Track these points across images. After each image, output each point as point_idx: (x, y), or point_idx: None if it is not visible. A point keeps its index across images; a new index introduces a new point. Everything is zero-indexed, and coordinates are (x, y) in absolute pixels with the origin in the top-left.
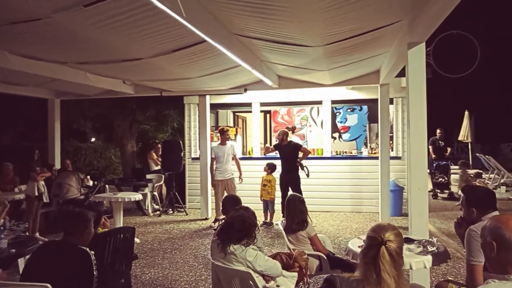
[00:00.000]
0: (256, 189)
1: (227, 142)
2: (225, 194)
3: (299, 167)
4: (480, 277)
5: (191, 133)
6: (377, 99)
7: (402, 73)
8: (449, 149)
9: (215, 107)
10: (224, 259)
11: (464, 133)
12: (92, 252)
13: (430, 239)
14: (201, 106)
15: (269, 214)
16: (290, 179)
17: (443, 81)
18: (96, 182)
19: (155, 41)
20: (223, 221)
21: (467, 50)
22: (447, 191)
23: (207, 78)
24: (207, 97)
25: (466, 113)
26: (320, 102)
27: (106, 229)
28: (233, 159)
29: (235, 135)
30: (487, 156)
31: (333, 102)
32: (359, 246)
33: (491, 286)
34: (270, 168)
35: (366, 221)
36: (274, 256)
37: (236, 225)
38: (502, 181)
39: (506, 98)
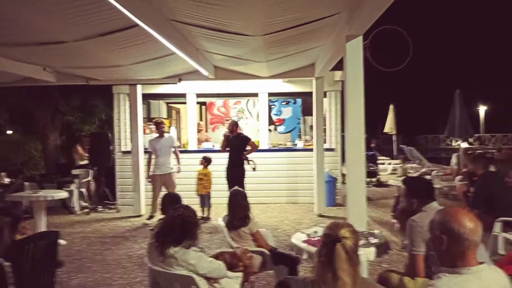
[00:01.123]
0: (192, 183)
1: (165, 134)
2: (163, 190)
3: (245, 161)
4: (421, 266)
5: (120, 125)
6: (311, 92)
7: (336, 67)
8: (372, 141)
9: (147, 97)
10: (163, 263)
11: (389, 125)
12: (8, 264)
13: (372, 231)
14: (132, 96)
15: (205, 209)
16: (236, 173)
17: (370, 74)
18: (13, 180)
19: (81, 22)
20: (161, 221)
21: (400, 46)
22: (375, 179)
23: (139, 66)
24: (139, 86)
25: (391, 106)
26: (256, 95)
27: (26, 235)
28: (174, 152)
29: (169, 127)
30: (410, 147)
31: (269, 94)
32: (303, 241)
33: (442, 280)
34: (207, 161)
35: (303, 211)
36: (217, 256)
37: (176, 225)
38: (423, 170)
39: (422, 92)
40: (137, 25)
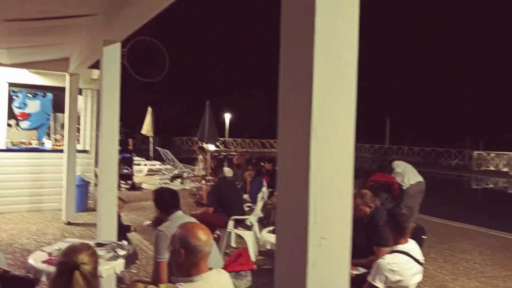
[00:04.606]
0: None
1: None
2: None
3: None
4: (164, 272)
5: None
6: (64, 88)
7: (94, 65)
8: (130, 141)
9: None
10: None
11: (147, 127)
12: None
13: (120, 242)
14: None
15: None
16: None
17: (131, 76)
18: None
19: None
20: None
21: (157, 58)
22: (130, 182)
23: None
24: None
25: (149, 109)
26: None
27: None
28: None
29: None
30: (165, 150)
31: (11, 85)
32: (42, 261)
33: None
34: None
35: (48, 220)
36: None
37: None
38: (176, 172)
39: (181, 96)
40: None
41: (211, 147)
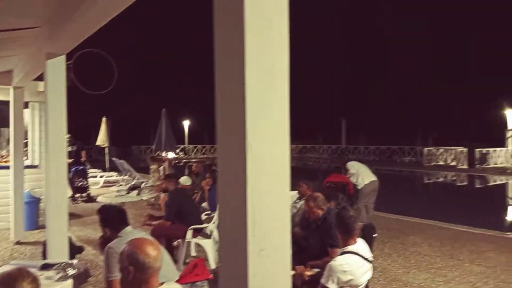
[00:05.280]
0: None
1: None
2: None
3: None
4: None
5: None
6: (8, 101)
7: (40, 77)
8: (83, 153)
9: None
10: None
11: (102, 138)
12: None
13: (71, 261)
14: None
15: None
16: None
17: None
18: None
19: None
20: None
21: (105, 69)
22: (85, 194)
23: None
24: None
25: (104, 119)
26: None
27: None
28: None
29: None
30: (121, 160)
31: None
32: None
33: None
34: None
35: None
36: None
37: None
38: (133, 183)
39: (135, 104)
40: None
41: (170, 155)
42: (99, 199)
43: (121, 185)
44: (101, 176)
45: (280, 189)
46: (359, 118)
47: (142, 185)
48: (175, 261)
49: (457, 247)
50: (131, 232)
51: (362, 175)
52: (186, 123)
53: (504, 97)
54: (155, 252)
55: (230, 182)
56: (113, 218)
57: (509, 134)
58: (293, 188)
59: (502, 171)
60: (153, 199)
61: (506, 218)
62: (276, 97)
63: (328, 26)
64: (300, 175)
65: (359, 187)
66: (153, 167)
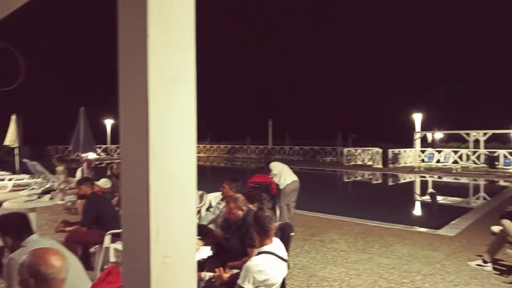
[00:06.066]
0: None
1: None
2: None
3: None
4: None
5: None
6: None
7: None
8: None
9: None
10: None
11: (11, 138)
12: None
13: None
14: None
15: None
16: None
17: None
18: None
19: None
20: None
21: (12, 64)
22: None
23: None
24: None
25: (13, 117)
26: None
27: None
28: None
29: None
30: (33, 162)
31: None
32: None
33: None
34: None
35: None
36: None
37: None
38: (47, 186)
39: (52, 102)
40: None
41: (91, 155)
42: (5, 205)
43: (33, 188)
44: (10, 179)
45: (186, 194)
46: (285, 119)
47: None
48: (92, 268)
49: (369, 241)
50: (36, 241)
51: (284, 175)
52: (108, 122)
53: (413, 103)
54: (59, 263)
55: (133, 188)
56: (14, 226)
57: (416, 136)
58: (218, 189)
59: (411, 169)
60: (69, 203)
61: (412, 213)
62: (181, 100)
63: (253, 29)
64: (228, 175)
65: (281, 187)
66: (59, 168)
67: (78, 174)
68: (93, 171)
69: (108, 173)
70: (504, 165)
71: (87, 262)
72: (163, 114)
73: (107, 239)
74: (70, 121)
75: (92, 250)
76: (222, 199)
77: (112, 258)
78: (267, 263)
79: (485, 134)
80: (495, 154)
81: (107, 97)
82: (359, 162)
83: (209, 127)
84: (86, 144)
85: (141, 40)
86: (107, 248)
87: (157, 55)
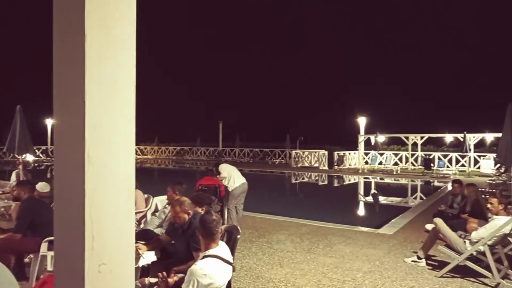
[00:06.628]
0: None
1: None
2: None
3: None
4: None
5: None
6: None
7: None
8: None
9: None
10: None
11: None
12: None
13: None
14: None
15: None
16: None
17: None
18: None
19: None
20: None
21: None
22: None
23: None
24: None
25: None
26: None
27: None
28: None
29: None
30: None
31: None
32: None
33: None
34: None
35: None
36: None
37: None
38: None
39: None
40: None
41: (29, 157)
42: None
43: None
44: None
45: (123, 200)
46: (236, 121)
47: None
48: (27, 278)
49: (314, 241)
50: None
51: (233, 177)
52: (49, 122)
53: (358, 107)
54: None
55: (67, 192)
56: None
57: (360, 139)
58: (164, 193)
59: (355, 171)
60: (2, 209)
61: (356, 213)
62: (120, 102)
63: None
64: (175, 177)
65: (230, 189)
66: None
67: (13, 177)
68: (30, 174)
69: (48, 175)
70: (438, 167)
71: (21, 272)
72: (100, 116)
73: (43, 246)
74: (5, 119)
75: (27, 260)
76: (168, 203)
77: (50, 267)
78: (212, 267)
79: (422, 137)
80: (431, 157)
81: (48, 95)
82: (306, 164)
83: (157, 128)
84: (22, 145)
85: (78, 34)
86: (44, 256)
87: (95, 58)
